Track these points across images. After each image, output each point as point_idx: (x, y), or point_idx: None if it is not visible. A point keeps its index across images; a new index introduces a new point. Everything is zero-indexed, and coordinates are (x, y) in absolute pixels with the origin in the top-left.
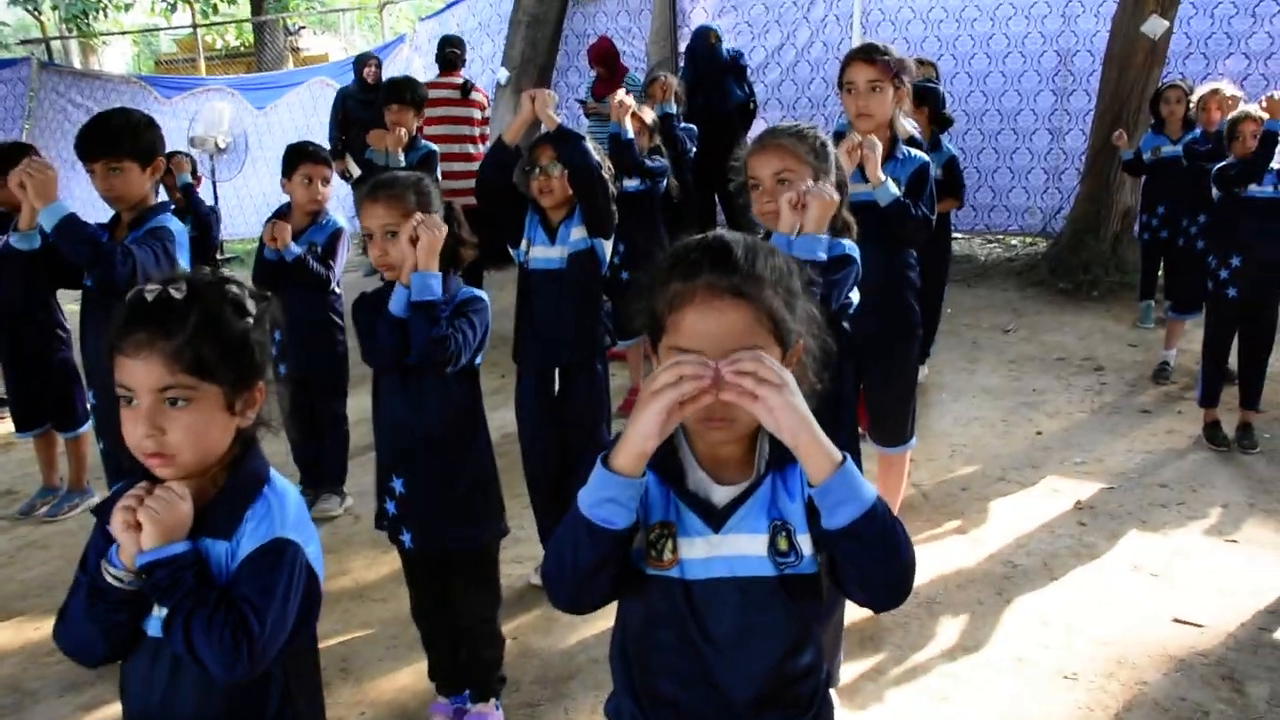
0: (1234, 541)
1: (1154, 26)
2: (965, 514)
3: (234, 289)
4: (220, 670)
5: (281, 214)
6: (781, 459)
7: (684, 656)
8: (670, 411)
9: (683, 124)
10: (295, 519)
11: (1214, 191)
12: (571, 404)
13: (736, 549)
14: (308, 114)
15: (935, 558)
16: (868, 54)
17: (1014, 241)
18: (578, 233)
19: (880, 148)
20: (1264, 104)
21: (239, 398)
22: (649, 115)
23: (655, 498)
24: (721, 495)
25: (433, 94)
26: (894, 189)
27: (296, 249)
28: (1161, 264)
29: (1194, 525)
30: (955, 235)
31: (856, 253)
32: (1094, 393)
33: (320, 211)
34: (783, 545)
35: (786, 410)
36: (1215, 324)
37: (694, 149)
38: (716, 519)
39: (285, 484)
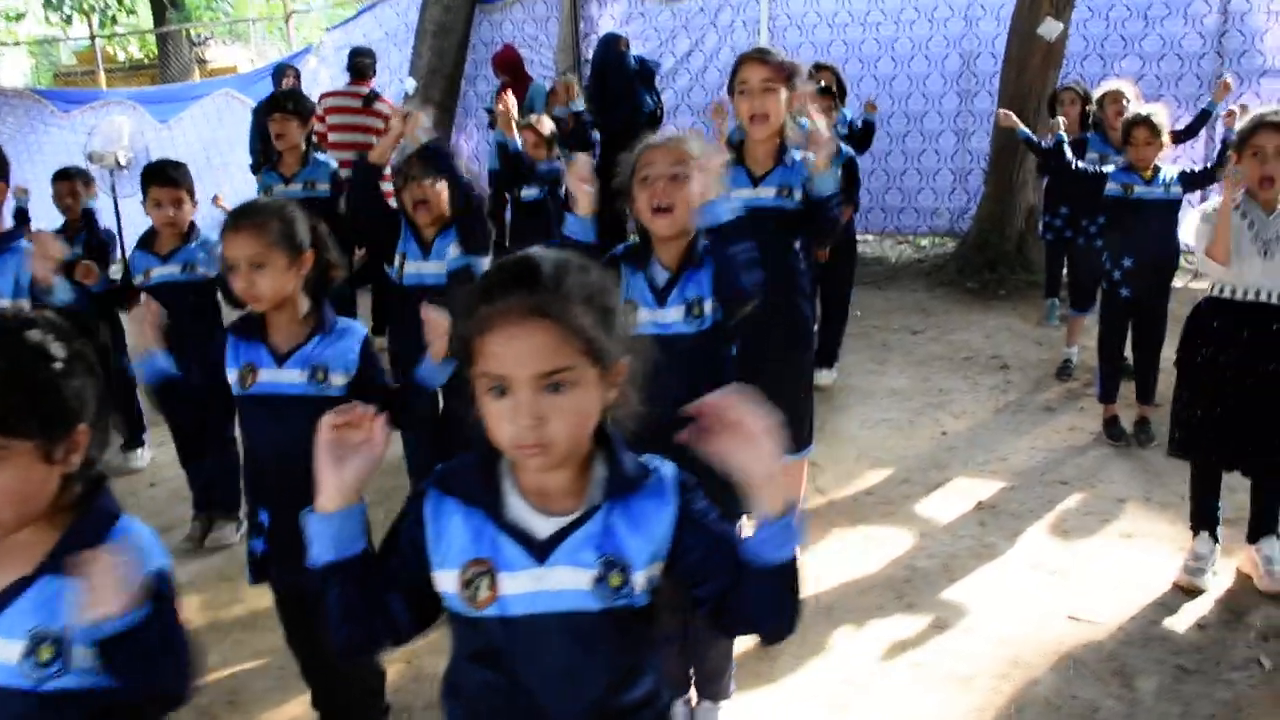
0: (1129, 536)
1: (1049, 29)
2: (869, 518)
3: (35, 335)
4: (179, 690)
5: (148, 237)
6: (621, 488)
7: (509, 695)
8: (332, 454)
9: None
10: (159, 552)
11: (1105, 192)
12: (455, 422)
13: (560, 583)
14: (213, 127)
15: (837, 563)
16: (761, 54)
17: (924, 242)
18: (454, 250)
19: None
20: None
21: (56, 447)
22: (547, 126)
23: (468, 533)
24: (546, 526)
25: (335, 103)
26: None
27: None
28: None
29: (1092, 521)
30: (866, 237)
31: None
32: (999, 391)
33: (191, 231)
34: (614, 582)
35: (758, 452)
36: (1108, 322)
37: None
38: (540, 551)
39: (136, 521)
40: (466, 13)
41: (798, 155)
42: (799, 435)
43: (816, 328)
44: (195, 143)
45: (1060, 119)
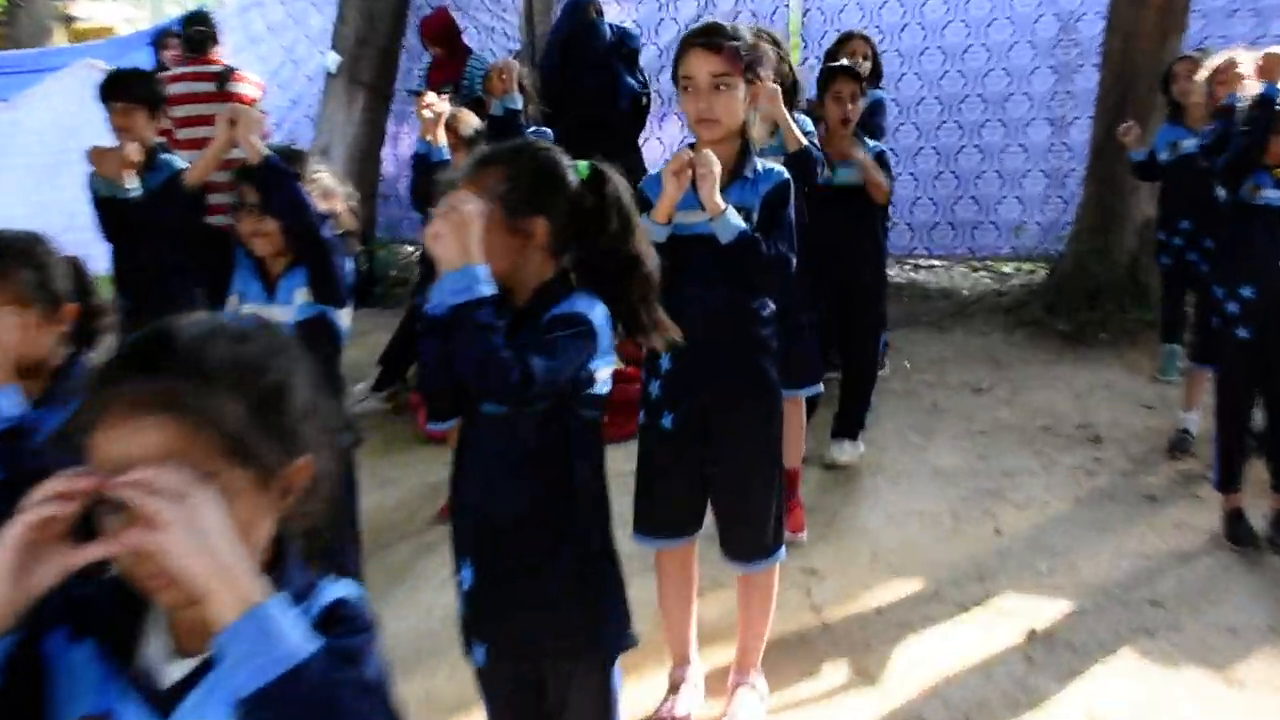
0: (1239, 684)
1: None
2: (874, 647)
3: None
4: None
5: None
6: None
7: None
8: (25, 545)
9: (533, 129)
10: None
11: (1221, 195)
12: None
13: None
14: (74, 108)
15: (818, 713)
16: (710, 39)
17: (1008, 269)
18: (303, 294)
19: (718, 166)
20: (1259, 65)
21: None
22: (469, 125)
23: (91, 678)
24: (176, 672)
25: (181, 89)
26: (736, 220)
27: None
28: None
29: (1183, 660)
30: (932, 263)
31: (596, 313)
32: (1084, 473)
33: None
34: None
35: (183, 537)
36: (1227, 377)
37: None
38: (163, 705)
39: None
40: None
41: (763, 166)
42: (763, 537)
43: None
44: (49, 128)
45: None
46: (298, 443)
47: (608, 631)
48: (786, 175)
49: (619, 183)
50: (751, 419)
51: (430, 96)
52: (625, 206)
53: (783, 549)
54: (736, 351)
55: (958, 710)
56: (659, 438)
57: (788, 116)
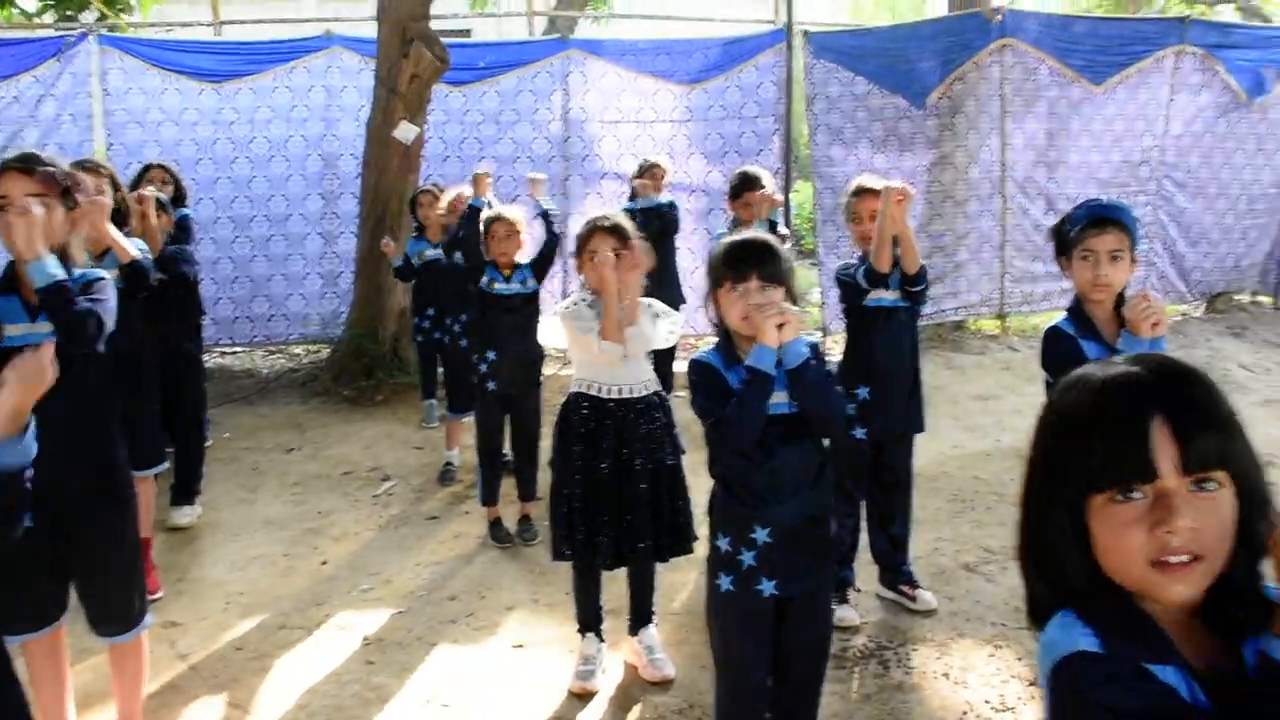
0: (521, 646)
1: (404, 132)
2: (240, 679)
3: None
4: None
5: None
6: None
7: None
8: None
9: None
10: None
11: (471, 288)
12: None
13: None
14: None
15: None
16: (26, 163)
17: (299, 350)
18: None
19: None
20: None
21: None
22: None
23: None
24: None
25: None
26: (54, 268)
27: None
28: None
29: (483, 635)
30: (236, 349)
31: None
32: (382, 505)
33: None
34: None
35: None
36: (482, 420)
37: None
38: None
39: None
40: None
41: (79, 271)
42: (130, 609)
43: (165, 465)
44: None
45: (389, 242)
46: None
47: None
48: (102, 274)
49: None
50: (106, 510)
51: None
52: None
53: (149, 616)
54: (88, 452)
55: (321, 716)
56: (17, 539)
57: (115, 234)
